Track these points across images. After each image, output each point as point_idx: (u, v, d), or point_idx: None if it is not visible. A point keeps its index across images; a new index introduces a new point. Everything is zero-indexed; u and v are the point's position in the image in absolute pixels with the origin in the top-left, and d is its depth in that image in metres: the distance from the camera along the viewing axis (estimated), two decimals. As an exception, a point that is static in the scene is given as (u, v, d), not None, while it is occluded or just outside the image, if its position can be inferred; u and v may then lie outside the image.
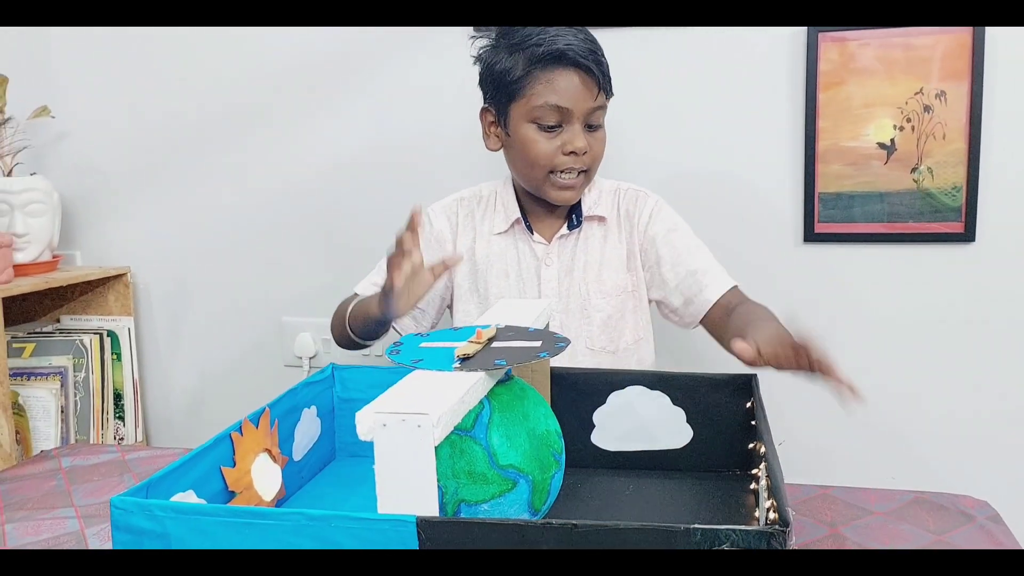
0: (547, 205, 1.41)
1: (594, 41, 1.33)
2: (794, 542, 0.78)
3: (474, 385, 0.76)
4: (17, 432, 1.84)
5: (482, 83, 1.39)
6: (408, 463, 0.67)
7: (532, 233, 1.42)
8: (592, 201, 1.42)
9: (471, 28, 1.41)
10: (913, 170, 1.67)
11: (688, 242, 1.40)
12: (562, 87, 1.30)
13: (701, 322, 1.38)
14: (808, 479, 1.17)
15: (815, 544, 0.98)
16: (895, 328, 1.74)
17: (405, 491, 0.67)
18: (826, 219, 1.71)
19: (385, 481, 0.67)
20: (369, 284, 1.46)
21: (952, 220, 1.67)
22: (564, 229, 1.42)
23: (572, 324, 1.40)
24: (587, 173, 1.36)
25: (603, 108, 1.34)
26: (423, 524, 0.65)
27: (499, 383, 0.87)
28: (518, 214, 1.42)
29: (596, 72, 1.29)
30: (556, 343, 0.87)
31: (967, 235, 1.66)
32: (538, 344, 0.87)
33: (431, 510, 0.67)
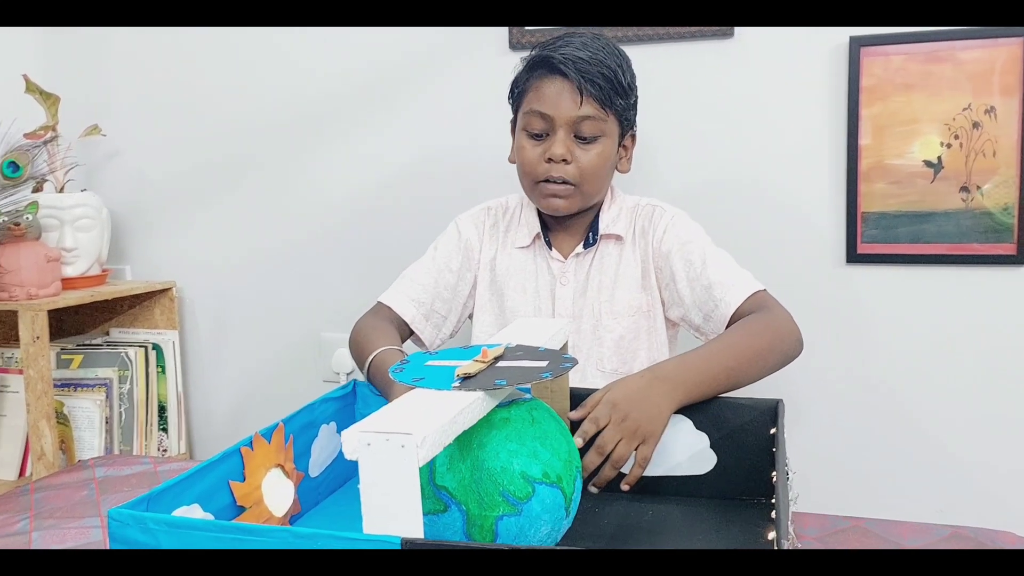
0: (564, 221, 1.40)
1: (599, 53, 1.30)
2: None
3: (470, 405, 0.75)
4: (62, 441, 1.88)
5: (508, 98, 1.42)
6: (392, 483, 0.66)
7: (551, 249, 1.41)
8: (610, 219, 1.39)
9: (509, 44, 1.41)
10: (962, 189, 1.61)
11: (704, 254, 1.32)
12: (545, 94, 1.30)
13: None
14: (845, 509, 1.13)
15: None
16: (942, 354, 1.69)
17: (390, 511, 0.66)
18: (869, 239, 1.67)
19: (370, 501, 0.67)
20: (400, 295, 1.44)
21: (1005, 241, 1.61)
22: (580, 247, 1.40)
23: (583, 345, 1.38)
24: (579, 187, 1.33)
25: (595, 119, 1.30)
26: (407, 545, 0.64)
27: (504, 406, 0.85)
28: (539, 229, 1.42)
29: (576, 79, 1.27)
30: (562, 363, 0.86)
31: (1020, 257, 1.60)
32: (543, 364, 0.86)
33: (416, 531, 0.66)
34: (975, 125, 1.59)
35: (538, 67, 1.32)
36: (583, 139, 1.32)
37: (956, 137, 1.60)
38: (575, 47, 1.29)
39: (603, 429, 1.00)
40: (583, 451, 0.97)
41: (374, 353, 1.25)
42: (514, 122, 1.40)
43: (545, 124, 1.31)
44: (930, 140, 1.62)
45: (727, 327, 1.26)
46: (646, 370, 1.07)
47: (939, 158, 1.62)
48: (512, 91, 1.38)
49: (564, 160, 1.30)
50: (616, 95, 1.31)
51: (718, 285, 1.28)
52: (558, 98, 1.29)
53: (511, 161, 1.42)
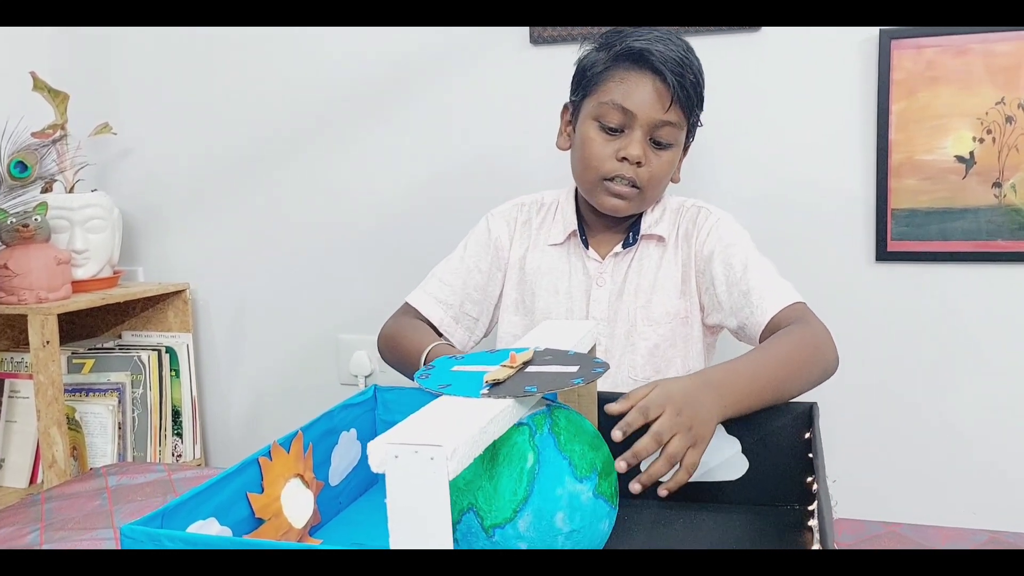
0: (607, 218, 1.33)
1: (688, 56, 1.25)
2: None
3: (500, 413, 0.71)
4: (74, 448, 1.85)
5: (571, 82, 1.34)
6: (421, 497, 0.62)
7: (587, 248, 1.35)
8: (653, 219, 1.33)
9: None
10: (994, 185, 1.57)
11: (746, 259, 1.26)
12: (632, 88, 1.23)
13: None
14: (877, 514, 1.09)
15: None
16: (974, 352, 1.65)
17: (419, 527, 0.62)
18: (899, 236, 1.63)
19: (398, 516, 0.63)
20: (427, 297, 1.41)
21: (1037, 237, 1.57)
22: (619, 247, 1.34)
23: (616, 351, 1.32)
24: (642, 192, 1.28)
25: (675, 126, 1.26)
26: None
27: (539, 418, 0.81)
28: (575, 226, 1.36)
29: (672, 83, 1.22)
30: (593, 368, 0.82)
31: (1054, 254, 1.56)
32: (574, 369, 0.82)
33: (445, 547, 0.62)
34: (1008, 119, 1.55)
35: (625, 58, 1.24)
36: (658, 144, 1.26)
37: (989, 132, 1.56)
38: (665, 44, 1.23)
39: (653, 422, 0.89)
40: (625, 445, 0.87)
41: (428, 348, 1.24)
42: (573, 106, 1.33)
43: (624, 119, 1.25)
44: (962, 135, 1.57)
45: (761, 336, 1.21)
46: (695, 374, 0.99)
47: (971, 153, 1.57)
48: (583, 74, 1.30)
49: (638, 162, 1.25)
50: (695, 106, 1.28)
51: (756, 292, 1.22)
52: (647, 96, 1.23)
53: (561, 148, 1.36)
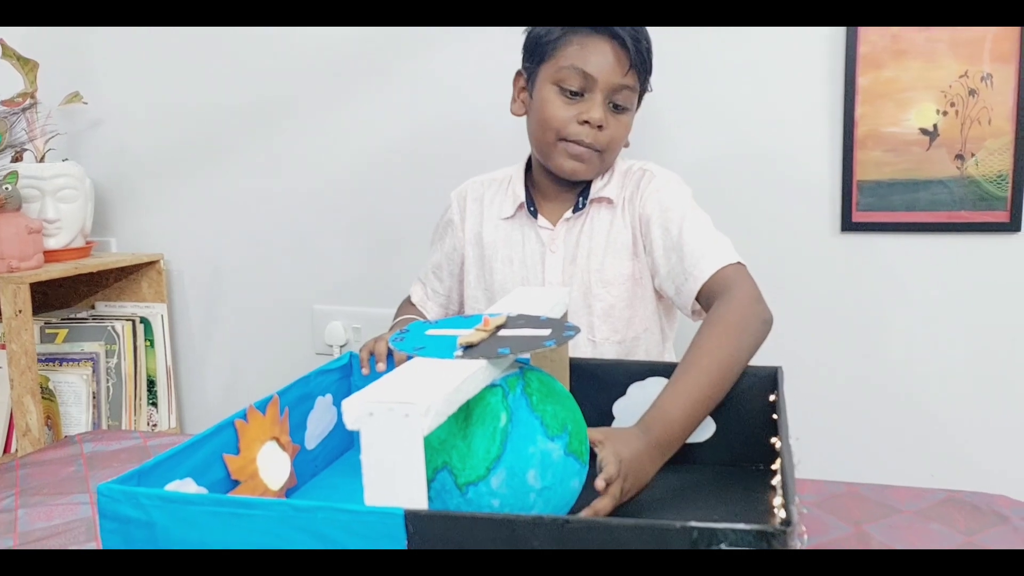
0: (556, 187, 1.36)
1: (641, 29, 1.29)
2: (806, 542, 0.74)
3: (473, 374, 0.74)
4: (48, 417, 1.85)
5: (523, 48, 1.35)
6: (396, 454, 0.64)
7: (536, 218, 1.37)
8: (602, 183, 1.35)
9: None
10: (957, 157, 1.60)
11: (683, 222, 1.25)
12: (592, 53, 1.26)
13: (696, 316, 1.25)
14: (839, 475, 1.13)
15: (838, 543, 0.94)
16: (936, 321, 1.68)
17: (393, 483, 0.65)
18: (865, 207, 1.65)
19: (372, 473, 0.65)
20: (418, 283, 1.51)
21: (998, 209, 1.60)
22: (569, 212, 1.35)
23: (573, 314, 1.34)
24: (601, 155, 1.30)
25: (631, 90, 1.29)
26: (411, 517, 0.63)
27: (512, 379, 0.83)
28: (523, 198, 1.37)
29: (631, 47, 1.25)
30: (564, 331, 0.84)
31: (1013, 225, 1.59)
32: (546, 333, 0.84)
33: (420, 503, 0.64)
34: (971, 92, 1.58)
35: (584, 25, 1.26)
36: (616, 107, 1.29)
37: (952, 105, 1.59)
38: None
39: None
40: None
41: (395, 321, 1.40)
42: (527, 72, 1.34)
43: (584, 83, 1.26)
44: (926, 108, 1.60)
45: (697, 297, 1.22)
46: (643, 431, 0.97)
47: (935, 126, 1.60)
48: (538, 41, 1.31)
49: (600, 126, 1.27)
50: (647, 72, 1.31)
51: (690, 255, 1.23)
52: (605, 61, 1.25)
53: (515, 113, 1.38)
